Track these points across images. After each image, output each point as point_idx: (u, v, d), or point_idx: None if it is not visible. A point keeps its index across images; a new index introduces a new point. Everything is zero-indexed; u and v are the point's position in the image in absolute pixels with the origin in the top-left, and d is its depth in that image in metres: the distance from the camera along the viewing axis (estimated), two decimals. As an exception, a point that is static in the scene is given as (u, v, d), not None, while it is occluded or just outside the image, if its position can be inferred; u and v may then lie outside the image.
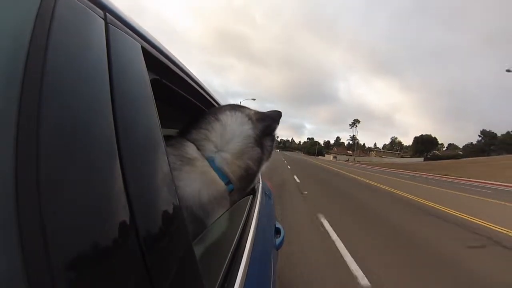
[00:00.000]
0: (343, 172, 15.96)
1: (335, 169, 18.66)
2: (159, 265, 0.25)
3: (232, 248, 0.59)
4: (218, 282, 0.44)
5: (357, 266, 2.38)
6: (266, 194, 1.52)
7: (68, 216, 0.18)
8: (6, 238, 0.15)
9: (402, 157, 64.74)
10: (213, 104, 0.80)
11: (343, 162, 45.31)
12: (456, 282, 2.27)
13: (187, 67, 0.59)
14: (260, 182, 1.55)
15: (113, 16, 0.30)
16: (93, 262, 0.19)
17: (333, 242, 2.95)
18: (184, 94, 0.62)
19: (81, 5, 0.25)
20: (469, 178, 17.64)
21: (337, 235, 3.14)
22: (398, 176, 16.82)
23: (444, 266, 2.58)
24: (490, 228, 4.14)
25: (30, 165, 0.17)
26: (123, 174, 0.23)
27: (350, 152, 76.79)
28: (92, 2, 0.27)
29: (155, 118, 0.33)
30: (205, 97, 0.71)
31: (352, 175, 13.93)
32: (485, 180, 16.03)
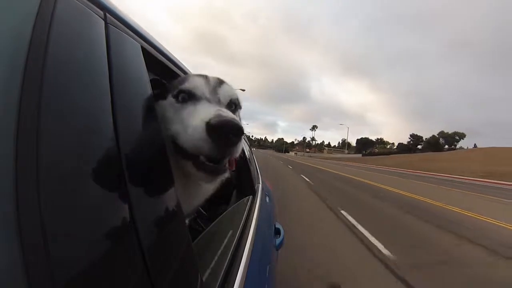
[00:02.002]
0: (296, 160, 31.42)
1: (292, 159, 34.96)
2: (159, 265, 0.25)
3: (232, 248, 0.59)
4: (218, 282, 0.44)
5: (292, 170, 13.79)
6: (266, 195, 1.52)
7: (68, 216, 0.18)
8: (6, 238, 0.15)
9: (348, 153, 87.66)
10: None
11: (300, 156, 67.26)
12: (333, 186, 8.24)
13: (187, 67, 0.59)
14: (260, 182, 1.55)
15: (113, 17, 0.30)
16: (93, 262, 0.19)
17: (284, 164, 18.56)
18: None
19: (81, 6, 0.25)
20: (375, 165, 29.44)
21: (289, 165, 18.17)
22: (323, 161, 36.47)
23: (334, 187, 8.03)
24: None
25: (30, 165, 0.17)
26: (123, 174, 0.23)
27: (308, 150, 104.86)
28: (92, 3, 0.27)
29: (155, 118, 0.33)
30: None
31: (292, 159, 32.88)
32: (384, 166, 27.89)
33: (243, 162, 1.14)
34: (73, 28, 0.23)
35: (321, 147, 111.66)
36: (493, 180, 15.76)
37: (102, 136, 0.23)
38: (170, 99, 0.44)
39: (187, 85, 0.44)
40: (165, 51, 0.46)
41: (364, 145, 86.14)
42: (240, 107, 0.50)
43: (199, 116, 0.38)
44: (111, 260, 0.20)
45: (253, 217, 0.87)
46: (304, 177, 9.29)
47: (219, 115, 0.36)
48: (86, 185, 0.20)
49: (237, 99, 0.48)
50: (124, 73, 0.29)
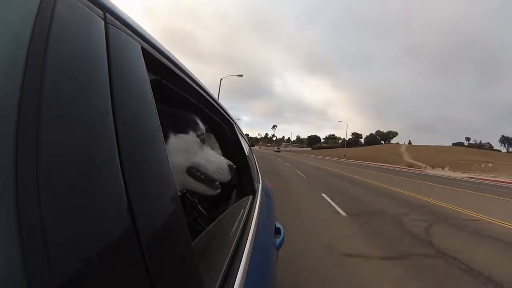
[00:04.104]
0: (261, 150, 64.66)
1: (257, 150, 55.69)
2: (159, 265, 0.25)
3: (232, 248, 0.59)
4: (218, 282, 0.44)
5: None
6: (266, 194, 1.52)
7: (68, 216, 0.18)
8: (6, 238, 0.15)
9: (300, 147, 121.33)
10: (212, 104, 0.80)
11: (263, 148, 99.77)
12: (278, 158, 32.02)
13: (187, 67, 0.59)
14: (260, 182, 1.55)
15: (113, 16, 0.30)
16: (93, 262, 0.19)
17: (255, 150, 30.52)
18: (184, 94, 0.62)
19: (81, 5, 0.25)
20: (306, 153, 53.12)
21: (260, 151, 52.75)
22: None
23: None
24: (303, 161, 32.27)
25: (30, 165, 0.17)
26: (123, 174, 0.23)
27: (269, 144, 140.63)
28: (92, 2, 0.27)
29: (155, 118, 0.33)
30: (204, 97, 0.71)
31: (260, 149, 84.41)
32: (312, 155, 53.38)
33: (243, 162, 1.14)
34: (73, 28, 0.23)
35: (280, 142, 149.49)
36: (345, 159, 36.92)
37: (102, 136, 0.23)
38: (195, 138, 0.64)
39: (203, 130, 0.67)
40: (165, 51, 0.46)
41: (314, 140, 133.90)
42: None
43: (221, 161, 0.69)
44: (111, 260, 0.20)
45: (253, 217, 0.87)
46: (265, 151, 33.78)
47: (231, 164, 0.70)
48: (86, 185, 0.20)
49: None
50: (124, 73, 0.29)
